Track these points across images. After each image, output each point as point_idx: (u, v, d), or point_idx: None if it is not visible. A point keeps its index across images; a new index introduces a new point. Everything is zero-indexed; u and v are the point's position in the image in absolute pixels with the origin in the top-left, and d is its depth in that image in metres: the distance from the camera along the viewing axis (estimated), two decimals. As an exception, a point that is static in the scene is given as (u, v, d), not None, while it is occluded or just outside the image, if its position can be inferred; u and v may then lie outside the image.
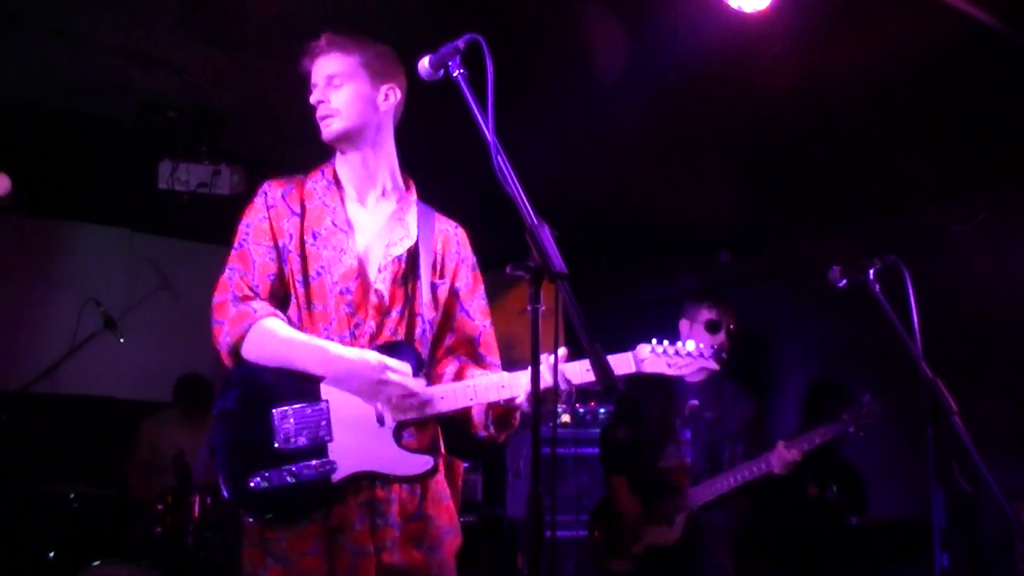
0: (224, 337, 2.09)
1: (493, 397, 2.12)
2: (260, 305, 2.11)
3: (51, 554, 4.26)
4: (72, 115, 4.44)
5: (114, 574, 3.93)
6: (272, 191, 2.23)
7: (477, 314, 2.35)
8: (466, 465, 6.33)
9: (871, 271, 2.72)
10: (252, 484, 1.99)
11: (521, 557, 5.24)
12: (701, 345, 2.23)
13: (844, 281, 2.83)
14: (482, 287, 2.39)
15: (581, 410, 5.18)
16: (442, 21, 3.33)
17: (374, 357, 2.06)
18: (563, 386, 2.07)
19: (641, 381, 3.95)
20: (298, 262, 2.16)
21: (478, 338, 2.34)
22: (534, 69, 3.68)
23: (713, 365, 2.27)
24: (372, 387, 2.06)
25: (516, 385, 2.10)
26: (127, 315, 5.59)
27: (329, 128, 2.21)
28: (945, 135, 4.13)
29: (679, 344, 2.22)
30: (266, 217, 2.19)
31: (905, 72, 3.57)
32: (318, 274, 2.16)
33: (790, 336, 5.54)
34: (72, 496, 4.33)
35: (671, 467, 4.01)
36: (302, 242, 2.18)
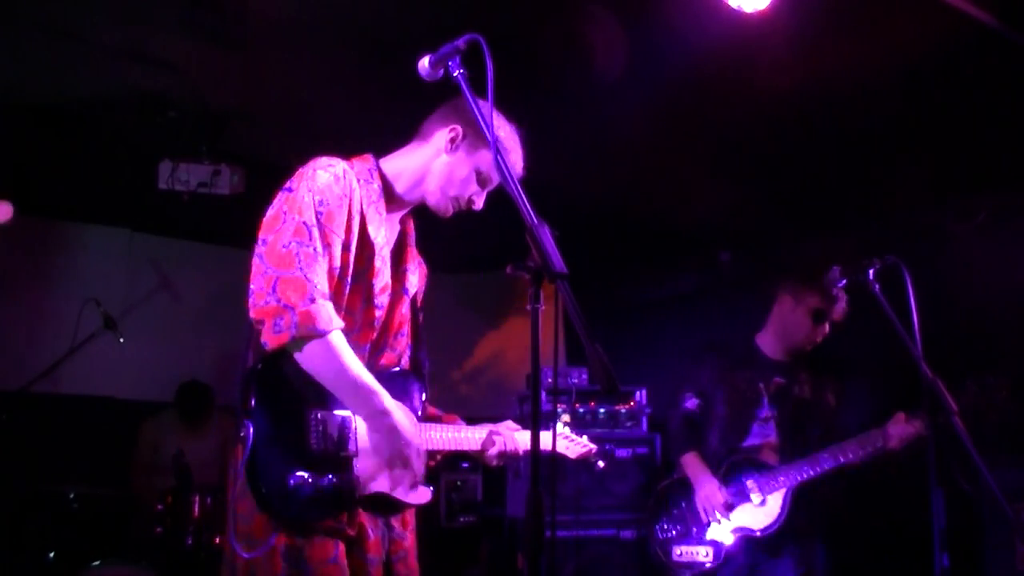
0: (288, 327, 1.90)
1: (470, 448, 2.34)
2: (333, 312, 1.98)
3: (51, 554, 4.26)
4: (72, 115, 4.43)
5: (114, 574, 3.94)
6: (347, 178, 2.10)
7: (424, 347, 2.44)
8: (465, 465, 6.35)
9: (871, 271, 2.72)
10: (292, 483, 1.93)
11: (521, 557, 5.23)
12: (576, 436, 2.71)
13: (844, 281, 2.84)
14: None
15: (581, 410, 5.17)
16: (442, 21, 3.33)
17: (416, 437, 2.12)
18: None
19: (719, 353, 3.89)
20: (351, 263, 2.10)
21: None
22: (534, 69, 3.68)
23: (597, 461, 2.70)
24: (393, 459, 2.08)
25: (488, 442, 2.35)
26: (127, 315, 5.59)
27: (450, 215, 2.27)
28: (945, 135, 4.13)
29: (565, 428, 2.73)
30: (342, 206, 2.06)
31: (905, 72, 3.57)
32: (361, 281, 2.14)
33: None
34: (72, 496, 4.33)
35: (757, 445, 3.75)
36: (361, 244, 2.12)
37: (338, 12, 3.38)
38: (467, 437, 2.33)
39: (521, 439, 2.38)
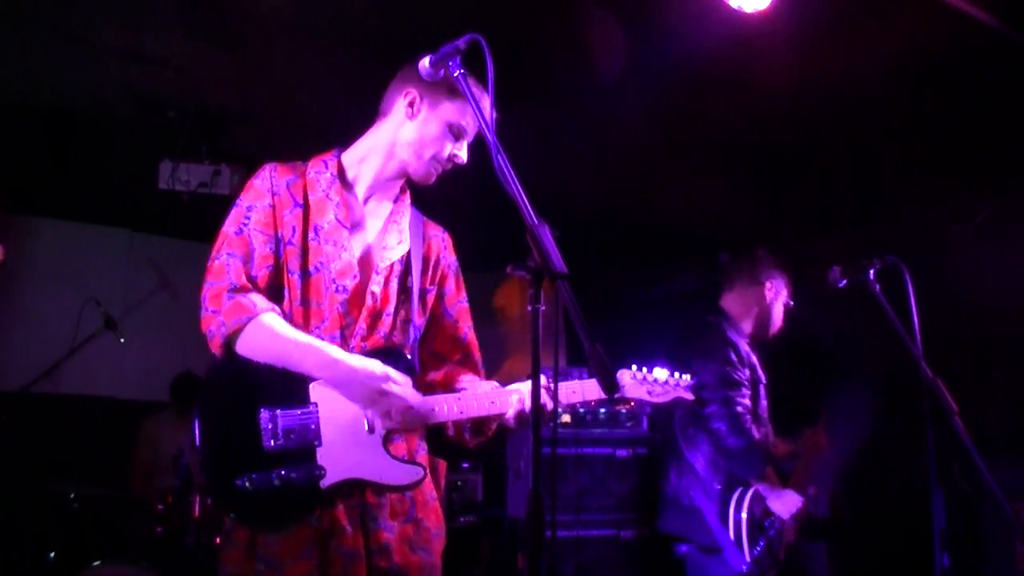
0: (218, 328, 2.00)
1: (483, 412, 2.16)
2: (259, 299, 2.04)
3: (51, 554, 4.26)
4: (72, 115, 4.44)
5: (114, 574, 3.93)
6: (277, 177, 2.17)
7: (460, 317, 2.38)
8: (465, 465, 6.33)
9: (871, 271, 2.73)
10: (238, 484, 1.93)
11: (521, 557, 5.23)
12: (676, 375, 2.37)
13: (844, 281, 2.84)
14: (464, 291, 2.41)
15: (581, 410, 5.16)
16: (442, 21, 3.33)
17: (378, 367, 2.03)
18: (548, 406, 2.08)
19: (735, 329, 3.71)
20: (298, 255, 2.12)
21: (462, 340, 2.37)
22: (534, 69, 3.68)
23: (689, 396, 2.38)
24: (372, 396, 2.03)
25: (505, 402, 2.16)
26: (127, 315, 5.59)
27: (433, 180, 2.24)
28: (945, 135, 4.13)
29: (656, 370, 2.37)
30: (271, 204, 2.13)
31: (905, 72, 3.57)
32: (316, 269, 2.12)
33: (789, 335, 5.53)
34: (72, 496, 4.32)
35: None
36: (304, 235, 2.13)
37: (338, 12, 3.39)
38: (478, 403, 2.16)
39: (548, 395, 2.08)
